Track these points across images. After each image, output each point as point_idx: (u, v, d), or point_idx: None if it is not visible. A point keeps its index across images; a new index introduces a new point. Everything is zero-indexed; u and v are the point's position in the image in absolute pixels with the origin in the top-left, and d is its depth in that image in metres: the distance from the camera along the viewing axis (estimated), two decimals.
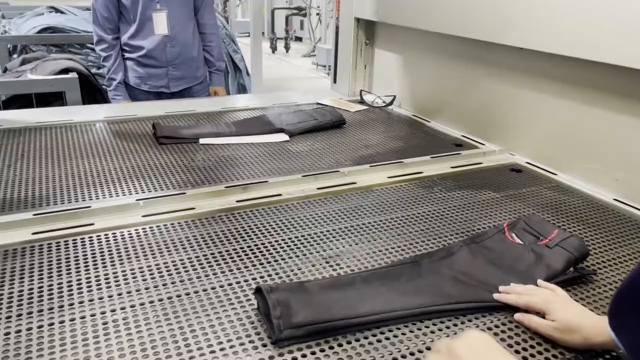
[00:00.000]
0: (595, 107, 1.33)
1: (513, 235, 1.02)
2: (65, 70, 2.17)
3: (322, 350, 0.74)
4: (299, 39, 10.89)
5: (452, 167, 1.46)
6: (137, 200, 1.15)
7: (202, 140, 1.57)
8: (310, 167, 1.41)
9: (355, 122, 1.87)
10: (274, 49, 9.64)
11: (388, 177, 1.37)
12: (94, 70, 3.08)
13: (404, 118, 1.96)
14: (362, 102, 2.12)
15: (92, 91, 2.36)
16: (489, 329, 0.80)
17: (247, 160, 1.45)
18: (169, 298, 0.84)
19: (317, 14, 9.58)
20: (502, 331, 0.79)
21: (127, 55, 2.25)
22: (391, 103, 2.06)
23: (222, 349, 0.73)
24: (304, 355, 0.73)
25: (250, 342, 0.75)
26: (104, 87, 2.45)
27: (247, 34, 6.18)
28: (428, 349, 0.75)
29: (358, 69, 2.23)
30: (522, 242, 0.99)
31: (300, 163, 1.44)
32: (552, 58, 1.37)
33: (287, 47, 9.70)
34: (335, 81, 2.33)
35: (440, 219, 1.15)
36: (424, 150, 1.58)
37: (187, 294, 0.85)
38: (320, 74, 7.80)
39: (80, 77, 2.16)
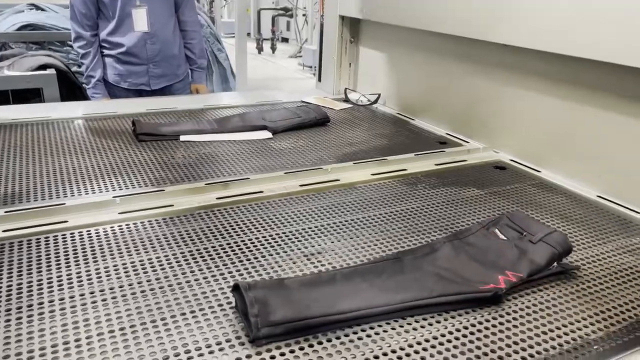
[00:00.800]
0: (579, 103, 1.32)
1: (496, 231, 1.00)
2: (44, 67, 2.12)
3: (302, 349, 0.72)
4: (285, 40, 10.87)
5: (436, 165, 1.45)
6: (113, 197, 1.12)
7: (182, 137, 1.54)
8: (292, 164, 1.39)
9: (340, 120, 1.85)
10: (259, 49, 9.61)
11: (371, 174, 1.35)
12: (74, 69, 3.02)
13: (389, 116, 1.95)
14: (346, 100, 2.10)
15: (72, 88, 2.31)
16: (472, 325, 0.78)
17: (228, 157, 1.42)
18: (144, 296, 0.81)
19: (304, 15, 9.57)
20: (486, 328, 0.78)
21: (106, 52, 2.21)
22: (376, 101, 2.04)
23: (197, 349, 0.70)
24: (282, 354, 0.71)
25: (227, 340, 0.72)
26: (83, 84, 2.41)
27: (233, 35, 6.14)
28: (410, 346, 0.73)
29: (343, 67, 2.21)
30: (505, 238, 0.98)
31: (283, 160, 1.41)
32: (537, 55, 1.36)
33: (273, 48, 9.67)
34: (320, 80, 2.32)
35: (423, 216, 1.14)
36: (408, 148, 1.57)
37: (163, 292, 0.83)
38: (306, 74, 7.78)
39: (59, 73, 2.11)
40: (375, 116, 1.94)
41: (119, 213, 1.07)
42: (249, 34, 10.85)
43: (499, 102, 1.56)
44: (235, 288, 0.78)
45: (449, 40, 1.66)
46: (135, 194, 1.14)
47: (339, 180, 1.31)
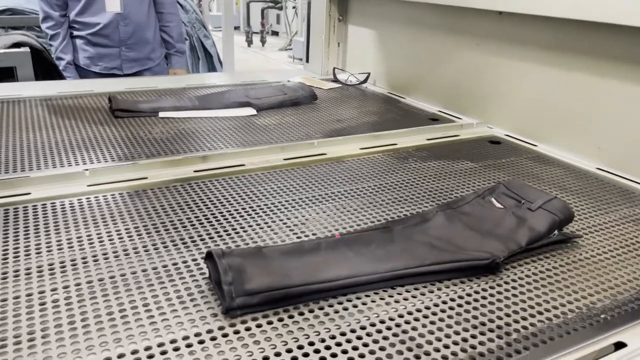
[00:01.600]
0: (576, 71, 1.26)
1: (493, 200, 0.94)
2: (18, 45, 2.03)
3: (281, 320, 0.65)
4: (275, 33, 10.76)
5: (427, 139, 1.38)
6: (83, 170, 1.04)
7: (161, 114, 1.46)
8: (277, 140, 1.32)
9: (328, 98, 1.78)
10: (249, 42, 9.50)
11: (360, 149, 1.28)
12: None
13: (379, 95, 1.88)
14: (335, 80, 2.03)
15: (47, 68, 2.21)
16: (468, 295, 0.72)
17: (209, 133, 1.34)
18: (108, 266, 0.74)
19: (294, 7, 9.47)
20: (483, 297, 0.71)
21: (75, 33, 2.13)
22: (365, 81, 1.97)
23: (164, 320, 0.63)
24: (259, 326, 0.64)
25: (198, 312, 0.65)
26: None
27: (221, 28, 6.02)
28: (400, 316, 0.67)
29: (331, 48, 2.14)
30: (502, 207, 0.92)
31: (267, 136, 1.34)
32: (531, 21, 1.30)
33: (263, 41, 9.57)
34: (307, 60, 2.24)
35: (414, 188, 1.07)
36: (399, 125, 1.50)
37: (131, 265, 0.75)
38: (296, 66, 7.70)
39: (35, 53, 2.02)
40: (364, 95, 1.87)
41: (87, 185, 1.00)
42: (238, 28, 10.75)
43: (492, 75, 1.50)
44: (209, 256, 0.71)
45: (439, 12, 1.60)
46: (107, 167, 1.07)
47: (325, 154, 1.24)
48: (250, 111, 1.54)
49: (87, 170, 1.03)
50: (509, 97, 1.46)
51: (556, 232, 0.86)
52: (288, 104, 1.63)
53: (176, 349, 0.59)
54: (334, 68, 2.05)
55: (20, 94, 1.61)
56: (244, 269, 0.68)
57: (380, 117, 1.59)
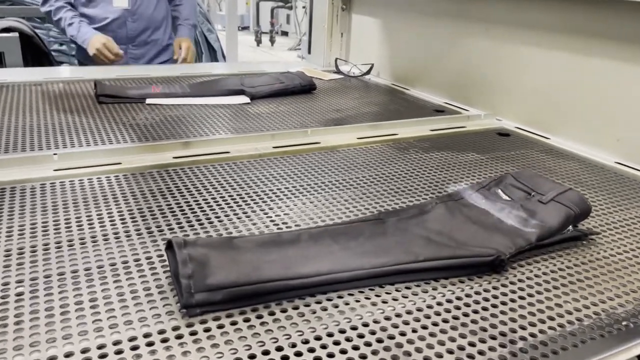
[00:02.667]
0: (594, 57, 1.16)
1: (499, 191, 0.84)
2: (8, 31, 1.96)
3: (247, 320, 0.55)
4: (285, 33, 10.70)
5: (431, 130, 1.29)
6: (53, 154, 0.96)
7: (148, 100, 1.38)
8: (269, 128, 1.23)
9: (328, 89, 1.69)
10: (258, 42, 9.45)
11: (357, 138, 1.19)
12: (55, 47, 2.88)
13: (382, 87, 1.78)
14: (337, 71, 1.94)
15: (38, 55, 2.14)
16: (467, 296, 0.62)
17: (197, 120, 1.26)
18: (59, 256, 0.65)
19: (304, 7, 9.39)
20: (485, 299, 0.61)
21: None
22: (369, 72, 1.88)
23: (111, 318, 0.54)
24: (220, 326, 0.54)
25: (152, 309, 0.56)
26: (55, 50, 2.24)
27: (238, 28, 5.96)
28: (387, 319, 0.57)
29: (334, 38, 2.05)
30: (510, 199, 0.82)
31: (259, 124, 1.25)
32: (544, 2, 1.20)
33: (272, 41, 9.50)
34: (309, 52, 2.15)
35: (413, 179, 0.98)
36: (401, 116, 1.40)
37: (84, 252, 0.67)
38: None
39: (25, 39, 1.95)
40: (367, 86, 1.78)
41: (54, 170, 0.91)
42: (247, 27, 10.71)
43: (501, 63, 1.40)
44: (169, 246, 0.62)
45: None
46: (77, 151, 0.98)
47: (319, 143, 1.15)
48: (244, 99, 1.45)
49: (55, 154, 0.94)
50: (520, 86, 1.36)
51: (570, 227, 0.76)
52: (284, 92, 1.55)
53: (118, 352, 0.50)
54: (336, 59, 1.96)
55: (5, 79, 1.53)
56: (208, 260, 0.59)
57: (382, 108, 1.50)
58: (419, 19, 1.68)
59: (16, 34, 1.85)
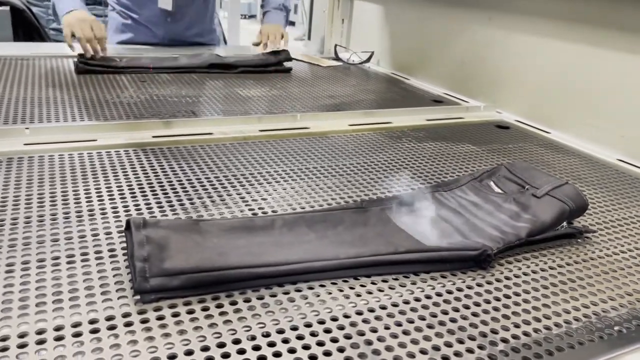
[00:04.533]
0: (599, 48, 1.11)
1: (491, 183, 0.79)
2: None
3: (206, 309, 0.51)
4: (292, 23, 10.60)
5: (427, 120, 1.24)
6: (25, 128, 0.91)
7: (122, 63, 1.36)
8: (258, 111, 1.18)
9: (325, 75, 1.64)
10: None
11: (349, 125, 1.14)
12: (53, 25, 2.83)
13: (381, 75, 1.73)
14: (336, 58, 1.88)
15: (29, 30, 2.09)
16: (449, 292, 0.57)
17: (183, 100, 1.21)
18: (11, 244, 0.61)
19: None
20: (467, 296, 0.57)
21: (113, 6, 1.80)
22: (369, 60, 1.83)
23: (57, 301, 0.50)
24: (176, 315, 0.50)
25: (104, 293, 0.52)
26: (54, 28, 2.17)
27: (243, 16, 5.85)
28: (359, 313, 0.53)
29: (335, 24, 1.99)
30: (502, 192, 0.77)
31: (248, 107, 1.20)
32: None
33: None
34: (309, 38, 2.10)
35: (403, 168, 0.93)
36: (397, 105, 1.36)
37: (41, 229, 0.62)
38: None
39: (17, 13, 1.90)
40: (366, 74, 1.73)
41: (24, 144, 0.87)
42: (254, 16, 10.60)
43: (503, 54, 1.34)
44: (128, 226, 0.58)
45: None
46: (51, 126, 0.94)
47: (308, 128, 1.10)
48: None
49: (27, 128, 0.90)
50: (522, 78, 1.31)
51: (565, 223, 0.71)
52: (263, 65, 1.56)
53: (58, 338, 0.45)
54: (336, 45, 1.91)
55: None
56: (167, 243, 0.55)
57: (379, 96, 1.45)
58: (422, 7, 1.63)
59: (7, 8, 1.80)
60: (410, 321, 0.52)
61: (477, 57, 1.43)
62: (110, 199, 0.72)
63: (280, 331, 0.49)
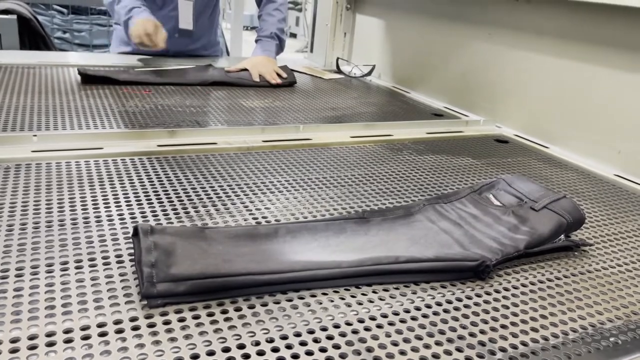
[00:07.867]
0: (598, 65, 1.13)
1: (490, 196, 0.81)
2: (6, 13, 1.94)
3: (211, 315, 0.52)
4: (293, 35, 10.68)
5: (428, 133, 1.26)
6: (32, 135, 0.93)
7: (123, 78, 1.39)
8: (261, 122, 1.20)
9: (327, 87, 1.66)
10: None
11: (350, 137, 1.16)
12: (58, 34, 2.86)
13: (383, 88, 1.75)
14: (338, 71, 1.91)
15: (35, 39, 2.11)
16: (448, 302, 0.59)
17: (188, 110, 1.23)
18: (22, 237, 0.62)
19: None
20: (466, 306, 0.58)
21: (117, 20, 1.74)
22: (370, 73, 1.85)
23: (66, 304, 0.51)
24: (182, 320, 0.51)
25: (111, 297, 0.53)
26: (58, 37, 2.18)
27: (246, 27, 5.90)
28: (360, 321, 0.54)
29: (337, 38, 2.02)
30: (501, 204, 0.78)
31: (251, 118, 1.22)
32: (550, 7, 1.17)
33: None
34: (311, 50, 2.13)
35: (404, 180, 0.95)
36: (398, 118, 1.38)
37: (50, 234, 0.64)
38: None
39: (24, 22, 1.92)
40: (367, 87, 1.75)
41: (32, 151, 0.88)
42: (257, 27, 10.68)
43: (503, 69, 1.37)
44: (136, 233, 0.59)
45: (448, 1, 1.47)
46: (58, 134, 0.95)
47: (311, 139, 1.12)
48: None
49: (35, 135, 0.91)
50: (521, 93, 1.33)
51: (562, 236, 0.72)
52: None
53: (68, 341, 0.47)
54: (338, 58, 1.93)
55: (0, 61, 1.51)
56: (174, 250, 0.56)
57: (380, 109, 1.47)
58: (423, 21, 1.65)
59: (14, 17, 1.83)
60: (411, 329, 0.53)
61: (477, 72, 1.46)
62: (116, 206, 0.73)
63: (284, 337, 0.50)
